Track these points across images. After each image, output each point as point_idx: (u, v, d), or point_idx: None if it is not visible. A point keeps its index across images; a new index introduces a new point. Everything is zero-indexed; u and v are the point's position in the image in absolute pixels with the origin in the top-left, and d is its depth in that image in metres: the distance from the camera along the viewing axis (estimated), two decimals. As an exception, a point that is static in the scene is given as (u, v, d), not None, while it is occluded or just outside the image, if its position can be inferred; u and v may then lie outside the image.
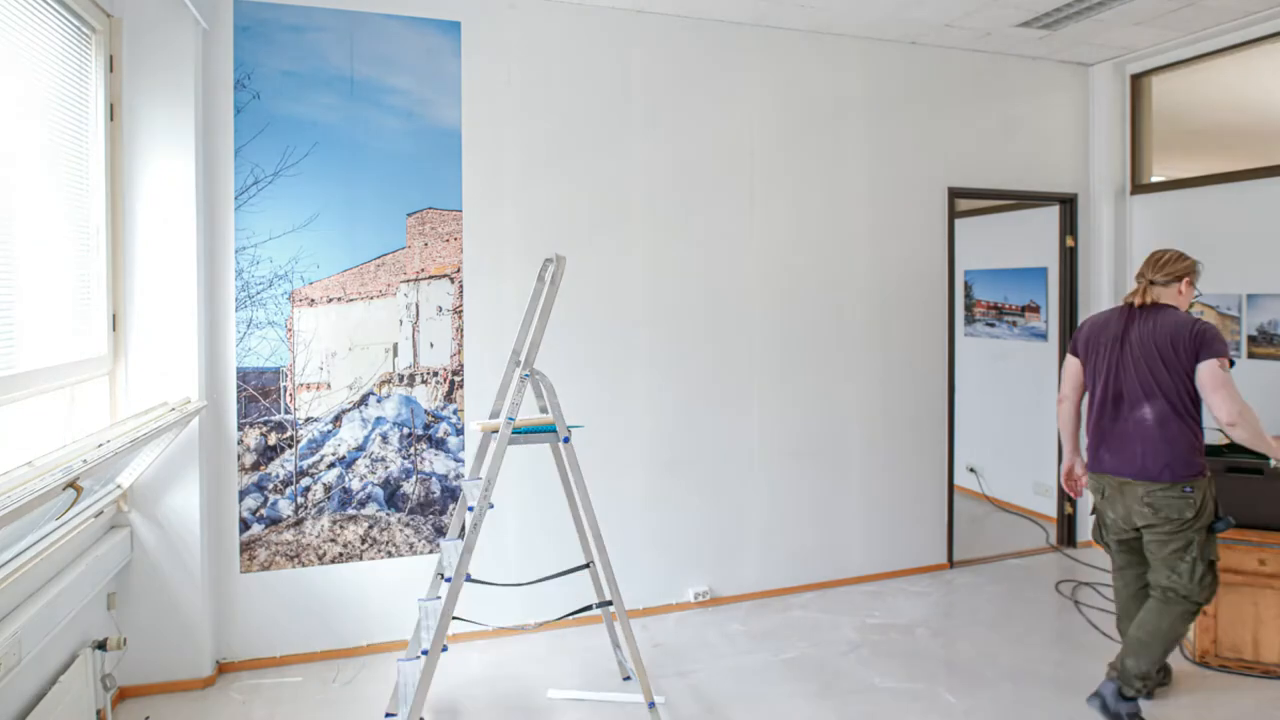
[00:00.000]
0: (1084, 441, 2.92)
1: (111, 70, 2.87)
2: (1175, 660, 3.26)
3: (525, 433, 2.66)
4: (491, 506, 2.62)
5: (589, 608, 2.88)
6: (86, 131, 2.74)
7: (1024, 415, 5.30)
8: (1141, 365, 2.66)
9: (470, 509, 2.52)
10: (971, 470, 5.78)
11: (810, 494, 4.04)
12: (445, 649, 2.44)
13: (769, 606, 3.84)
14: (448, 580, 2.46)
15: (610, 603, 2.78)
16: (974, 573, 4.31)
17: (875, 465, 4.18)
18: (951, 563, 4.39)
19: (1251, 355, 3.95)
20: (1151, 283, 2.73)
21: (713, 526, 3.87)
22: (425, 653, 2.45)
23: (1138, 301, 2.73)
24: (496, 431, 2.61)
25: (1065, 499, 4.73)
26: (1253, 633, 3.15)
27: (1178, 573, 2.64)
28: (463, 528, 2.72)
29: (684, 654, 3.35)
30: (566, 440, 2.67)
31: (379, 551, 3.37)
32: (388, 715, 2.73)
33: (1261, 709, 2.88)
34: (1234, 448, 3.54)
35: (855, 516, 4.15)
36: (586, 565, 2.91)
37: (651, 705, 2.67)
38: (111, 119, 2.89)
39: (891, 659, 3.29)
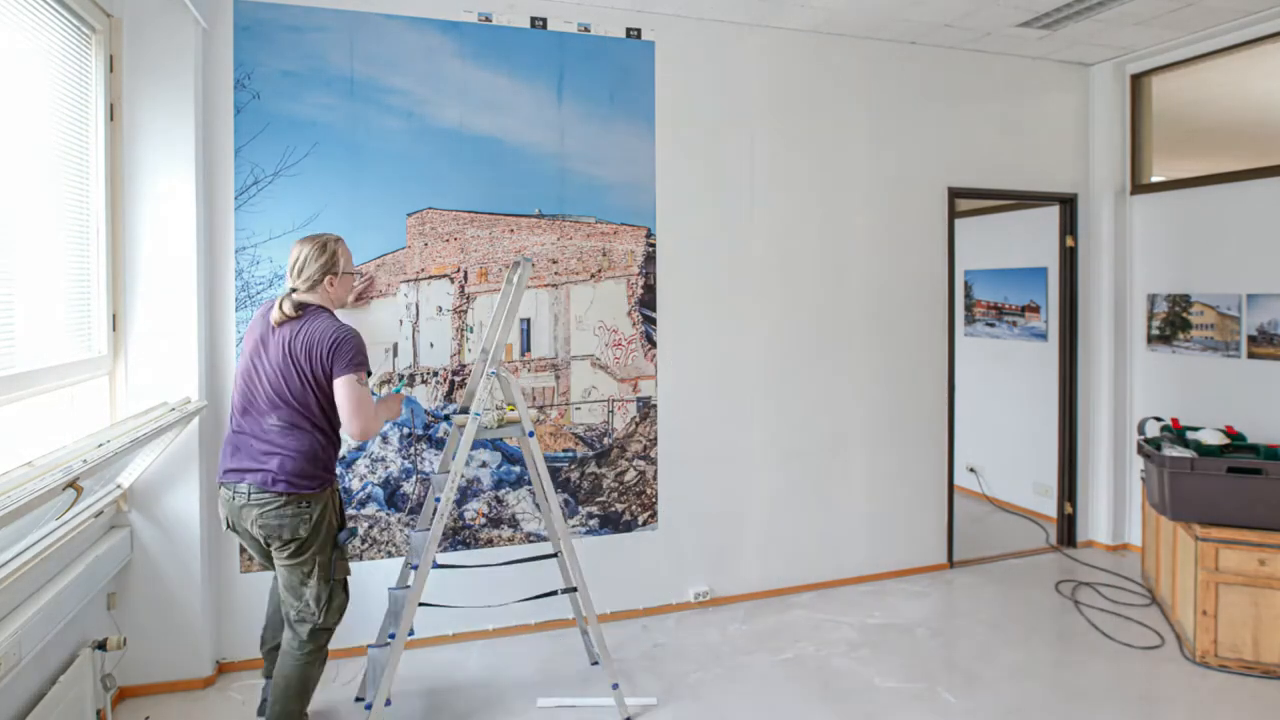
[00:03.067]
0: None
1: (111, 70, 2.87)
2: (1177, 658, 3.26)
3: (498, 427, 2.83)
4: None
5: (554, 592, 3.06)
6: (86, 131, 2.74)
7: (1024, 415, 5.30)
8: (276, 375, 2.38)
9: (438, 500, 2.67)
10: (971, 470, 5.78)
11: (810, 494, 4.04)
12: (412, 633, 2.64)
13: (769, 606, 3.84)
14: (414, 567, 2.62)
15: (575, 589, 2.94)
16: (974, 573, 4.31)
17: (875, 465, 4.18)
18: (951, 563, 4.39)
19: (1251, 355, 3.95)
20: (294, 291, 2.46)
21: (713, 526, 3.87)
22: (393, 636, 2.58)
23: (275, 319, 2.41)
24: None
25: (1065, 499, 4.73)
26: (1253, 633, 3.15)
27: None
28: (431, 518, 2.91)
29: (684, 654, 3.35)
30: (531, 434, 2.79)
31: (379, 551, 3.37)
32: (357, 699, 2.95)
33: (1262, 709, 2.88)
34: (1234, 448, 3.54)
35: (855, 516, 4.15)
36: (555, 554, 3.09)
37: (615, 686, 2.83)
38: (111, 119, 2.89)
39: (891, 659, 3.29)
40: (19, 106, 2.24)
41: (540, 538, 3.58)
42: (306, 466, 2.37)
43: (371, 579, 3.36)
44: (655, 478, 3.78)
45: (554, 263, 3.60)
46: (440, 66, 3.41)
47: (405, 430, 3.40)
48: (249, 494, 2.34)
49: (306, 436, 2.39)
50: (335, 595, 2.47)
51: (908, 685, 3.07)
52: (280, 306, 2.41)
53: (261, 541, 2.40)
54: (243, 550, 3.15)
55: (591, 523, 3.66)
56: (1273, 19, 3.79)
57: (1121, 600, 3.89)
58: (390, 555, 3.38)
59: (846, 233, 4.10)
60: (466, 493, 3.48)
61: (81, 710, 2.45)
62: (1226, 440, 3.57)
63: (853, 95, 4.10)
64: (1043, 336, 5.19)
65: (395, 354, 3.40)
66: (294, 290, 2.47)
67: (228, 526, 2.47)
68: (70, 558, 2.51)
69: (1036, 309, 5.25)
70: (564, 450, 3.62)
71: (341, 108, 3.29)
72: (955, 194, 4.33)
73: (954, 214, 4.34)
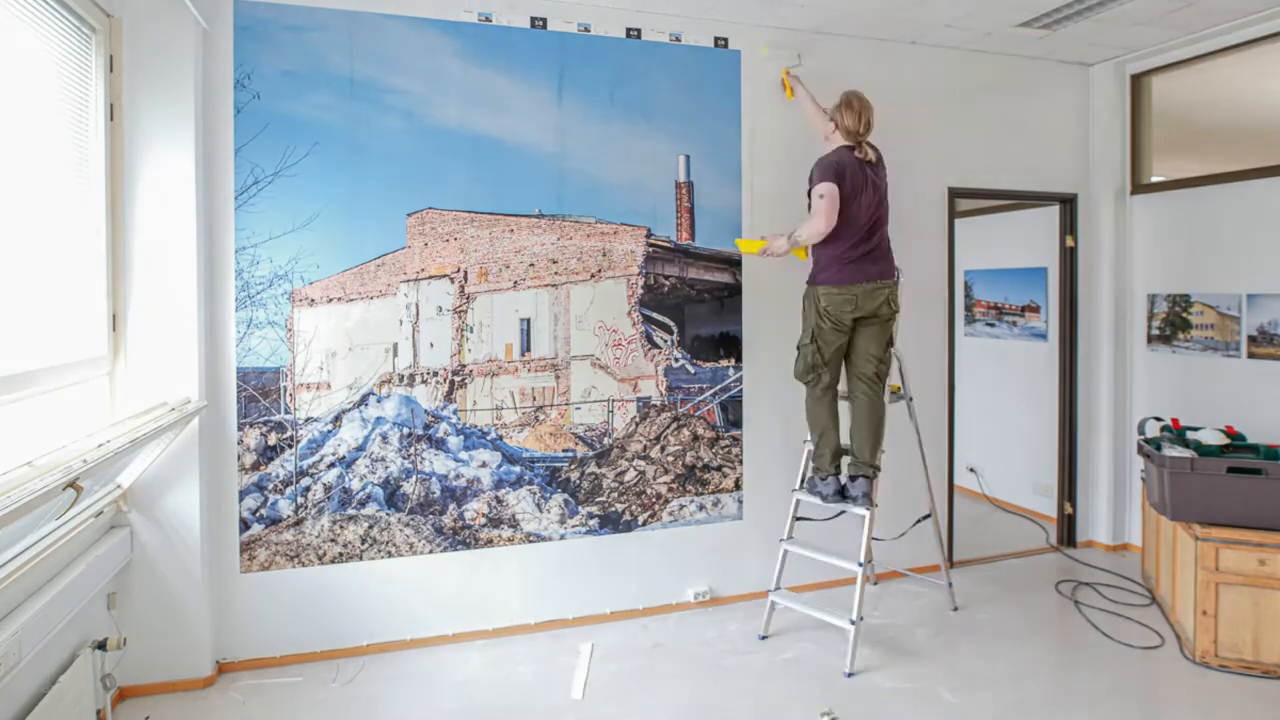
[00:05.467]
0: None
1: (111, 70, 2.87)
2: (1177, 658, 3.27)
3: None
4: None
5: (926, 517, 3.91)
6: (86, 131, 2.74)
7: (1024, 415, 5.30)
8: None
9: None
10: (971, 470, 5.78)
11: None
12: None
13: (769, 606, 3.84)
14: (861, 506, 3.45)
15: (928, 515, 3.88)
16: (974, 573, 4.31)
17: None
18: (951, 563, 4.38)
19: (1251, 355, 3.95)
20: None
21: (713, 526, 3.87)
22: (862, 564, 3.31)
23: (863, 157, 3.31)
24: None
25: (1065, 499, 4.73)
26: (1253, 633, 3.15)
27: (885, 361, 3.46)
28: (802, 477, 3.72)
29: (684, 654, 3.35)
30: (911, 400, 3.78)
31: (379, 551, 3.37)
32: (761, 637, 3.49)
33: (1262, 709, 2.88)
34: (1234, 448, 3.54)
35: (855, 516, 4.14)
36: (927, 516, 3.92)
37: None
38: (111, 119, 2.89)
39: (892, 659, 3.29)
40: (19, 106, 2.24)
41: (540, 537, 3.58)
42: None
43: (371, 579, 3.36)
44: (655, 477, 3.78)
45: (554, 263, 3.60)
46: (440, 66, 3.41)
47: (405, 430, 3.40)
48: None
49: None
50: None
51: (908, 685, 3.07)
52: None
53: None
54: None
55: (591, 523, 3.66)
56: (1273, 19, 3.79)
57: (1121, 600, 3.89)
58: (390, 555, 3.38)
59: (846, 233, 4.09)
60: (467, 493, 3.48)
61: (81, 710, 2.45)
62: (1226, 440, 3.57)
63: (853, 95, 4.09)
64: (1043, 336, 5.19)
65: (395, 354, 3.40)
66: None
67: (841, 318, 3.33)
68: (70, 558, 2.51)
69: (1036, 309, 5.25)
70: (564, 450, 3.62)
71: (341, 108, 3.29)
72: (955, 194, 4.33)
73: (954, 214, 4.34)
